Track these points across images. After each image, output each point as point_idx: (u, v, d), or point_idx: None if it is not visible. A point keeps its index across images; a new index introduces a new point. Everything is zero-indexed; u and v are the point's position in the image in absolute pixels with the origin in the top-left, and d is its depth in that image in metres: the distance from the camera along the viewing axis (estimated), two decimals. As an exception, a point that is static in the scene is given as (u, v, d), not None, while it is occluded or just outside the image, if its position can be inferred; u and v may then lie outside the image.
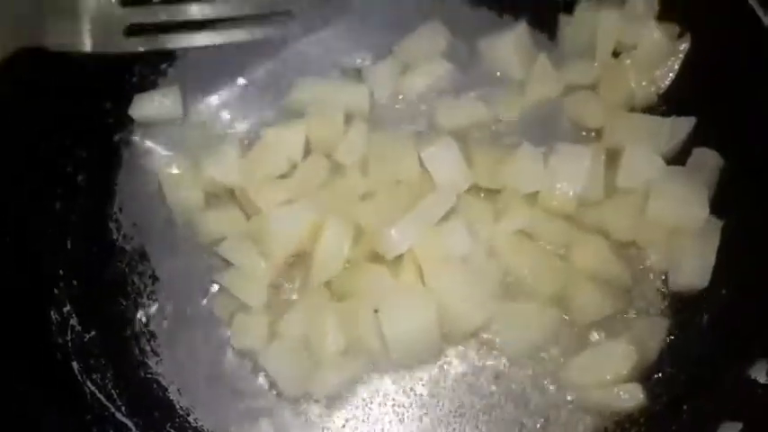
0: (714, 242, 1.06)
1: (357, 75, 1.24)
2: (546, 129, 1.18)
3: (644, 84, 1.17)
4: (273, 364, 1.06)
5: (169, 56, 1.24)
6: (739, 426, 0.91)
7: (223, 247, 1.12)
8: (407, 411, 1.06)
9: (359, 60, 1.24)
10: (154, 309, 1.12)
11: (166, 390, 1.09)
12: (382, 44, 1.24)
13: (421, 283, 1.07)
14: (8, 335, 1.01)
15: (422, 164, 1.13)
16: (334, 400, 1.07)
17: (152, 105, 1.21)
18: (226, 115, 1.23)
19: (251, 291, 1.10)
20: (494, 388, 1.06)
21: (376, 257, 1.10)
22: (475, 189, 1.14)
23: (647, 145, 1.10)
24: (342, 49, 1.25)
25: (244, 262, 1.11)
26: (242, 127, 1.22)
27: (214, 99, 1.24)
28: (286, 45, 1.25)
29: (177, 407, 1.08)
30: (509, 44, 1.20)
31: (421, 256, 1.07)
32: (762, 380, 0.94)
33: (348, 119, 1.17)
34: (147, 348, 1.10)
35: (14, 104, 1.07)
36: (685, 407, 1.01)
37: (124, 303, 1.12)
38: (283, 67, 1.25)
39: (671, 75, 1.16)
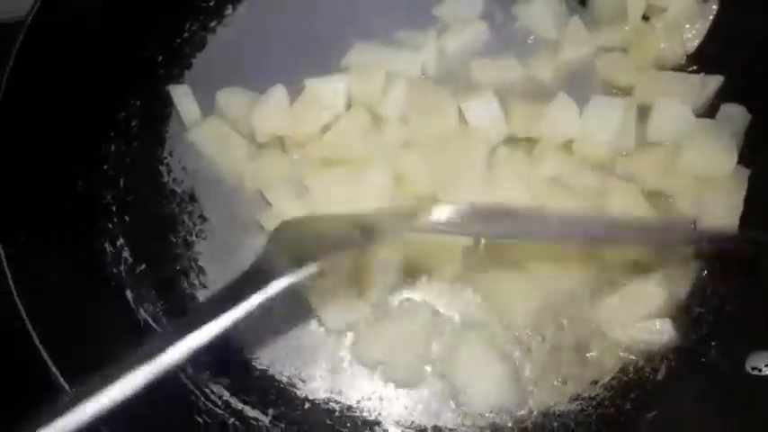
0: (742, 190, 1.10)
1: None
2: (578, 88, 1.22)
3: (673, 45, 1.21)
4: (318, 300, 1.11)
5: (219, 14, 1.30)
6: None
7: (267, 191, 1.17)
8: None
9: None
10: (203, 246, 1.17)
11: (215, 322, 1.13)
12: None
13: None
14: (70, 262, 1.05)
15: (461, 117, 1.18)
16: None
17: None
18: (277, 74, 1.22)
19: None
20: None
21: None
22: (511, 140, 1.19)
23: (676, 100, 1.15)
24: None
25: (282, 205, 1.15)
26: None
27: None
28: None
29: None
30: (543, 6, 1.26)
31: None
32: (789, 313, 0.98)
33: (391, 77, 1.21)
34: (197, 282, 1.15)
35: (75, 60, 1.11)
36: (714, 342, 1.06)
37: (174, 240, 1.17)
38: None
39: (700, 36, 1.21)
